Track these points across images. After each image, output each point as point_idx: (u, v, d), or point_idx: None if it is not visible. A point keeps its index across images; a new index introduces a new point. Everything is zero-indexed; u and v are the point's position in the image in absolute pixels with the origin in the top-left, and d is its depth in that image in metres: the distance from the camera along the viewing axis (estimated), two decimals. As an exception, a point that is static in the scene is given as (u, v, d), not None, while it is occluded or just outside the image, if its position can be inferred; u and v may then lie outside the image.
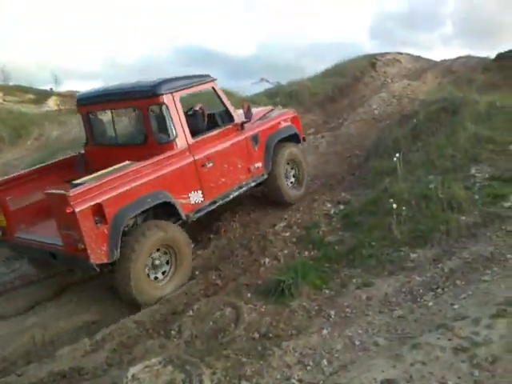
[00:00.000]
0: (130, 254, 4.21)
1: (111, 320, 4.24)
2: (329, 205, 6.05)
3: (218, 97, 5.38)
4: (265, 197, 6.34)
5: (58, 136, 10.51)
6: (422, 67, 12.78)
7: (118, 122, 5.69)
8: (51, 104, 16.68)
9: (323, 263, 4.71)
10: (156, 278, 4.54)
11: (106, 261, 4.10)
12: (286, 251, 5.16)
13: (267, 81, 12.94)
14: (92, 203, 3.97)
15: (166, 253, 4.59)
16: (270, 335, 3.68)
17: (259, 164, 5.78)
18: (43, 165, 5.57)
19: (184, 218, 4.79)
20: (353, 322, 3.64)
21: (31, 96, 17.82)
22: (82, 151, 5.63)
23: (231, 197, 5.45)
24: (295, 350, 3.39)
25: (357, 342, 3.34)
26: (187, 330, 3.87)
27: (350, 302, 3.96)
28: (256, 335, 3.71)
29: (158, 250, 4.50)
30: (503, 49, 10.99)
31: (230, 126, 5.43)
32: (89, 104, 5.40)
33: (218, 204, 5.26)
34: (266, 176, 5.90)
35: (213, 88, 5.32)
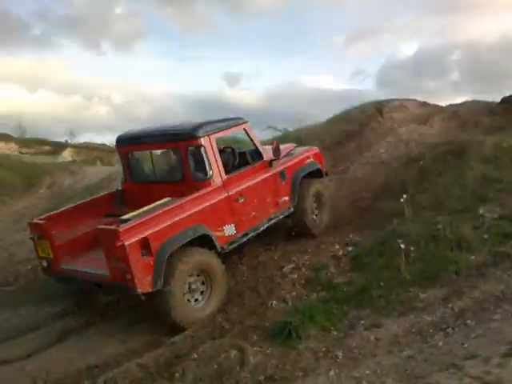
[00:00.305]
0: (169, 279, 4.41)
1: (115, 364, 4.18)
2: (337, 246, 6.02)
3: (250, 137, 5.78)
4: (291, 230, 6.47)
5: (70, 185, 10.67)
6: (429, 112, 12.88)
7: (155, 161, 5.96)
8: (66, 155, 17.18)
9: (332, 305, 4.63)
10: (194, 300, 4.74)
11: (150, 290, 4.32)
12: (294, 293, 5.10)
13: (275, 128, 13.15)
14: (139, 237, 4.26)
15: (201, 277, 4.80)
16: (276, 377, 3.59)
17: (286, 198, 6.10)
18: (85, 201, 5.98)
19: (219, 249, 5.04)
20: (361, 362, 3.55)
21: (47, 148, 18.41)
22: (120, 188, 6.00)
23: (261, 229, 5.72)
24: (301, 392, 3.30)
25: (364, 383, 3.23)
26: (191, 373, 3.79)
27: (358, 342, 3.87)
28: (261, 378, 3.62)
29: (194, 274, 4.72)
30: (509, 93, 11.14)
31: (260, 163, 5.77)
32: (128, 145, 5.77)
33: (249, 236, 5.52)
34: (292, 209, 6.19)
35: (245, 129, 5.71)
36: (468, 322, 3.69)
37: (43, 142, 19.40)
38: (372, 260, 5.25)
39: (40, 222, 5.18)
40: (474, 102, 12.31)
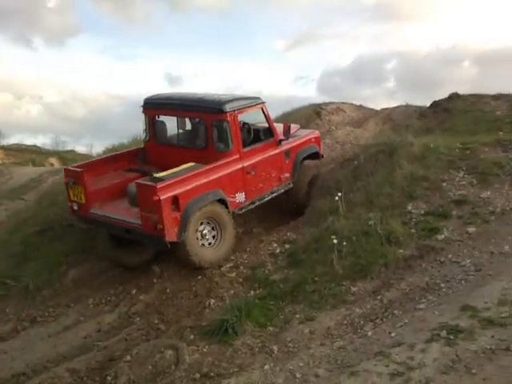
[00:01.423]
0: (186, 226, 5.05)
1: (43, 370, 4.01)
2: (275, 244, 6.08)
3: (265, 117, 6.40)
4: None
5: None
6: (364, 115, 13.38)
7: (181, 127, 6.35)
8: (-6, 158, 16.00)
9: (268, 301, 4.70)
10: (208, 243, 5.50)
11: (175, 240, 5.02)
12: (232, 292, 5.11)
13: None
14: (171, 194, 4.94)
15: (212, 224, 5.52)
16: (212, 374, 3.60)
17: (287, 174, 6.84)
18: (112, 154, 6.73)
19: (231, 212, 5.74)
20: (295, 355, 3.62)
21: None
22: (143, 146, 6.59)
23: (265, 200, 6.45)
24: (236, 387, 3.31)
25: (298, 375, 3.31)
26: (124, 376, 3.71)
27: (293, 336, 3.95)
28: (197, 375, 3.61)
29: (205, 222, 5.42)
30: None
31: (271, 141, 6.45)
32: (156, 108, 6.33)
33: (255, 204, 6.25)
34: (291, 185, 6.91)
35: (262, 109, 6.33)
36: (395, 312, 3.87)
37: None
38: (307, 256, 5.36)
39: (77, 169, 5.71)
40: (407, 107, 12.94)
